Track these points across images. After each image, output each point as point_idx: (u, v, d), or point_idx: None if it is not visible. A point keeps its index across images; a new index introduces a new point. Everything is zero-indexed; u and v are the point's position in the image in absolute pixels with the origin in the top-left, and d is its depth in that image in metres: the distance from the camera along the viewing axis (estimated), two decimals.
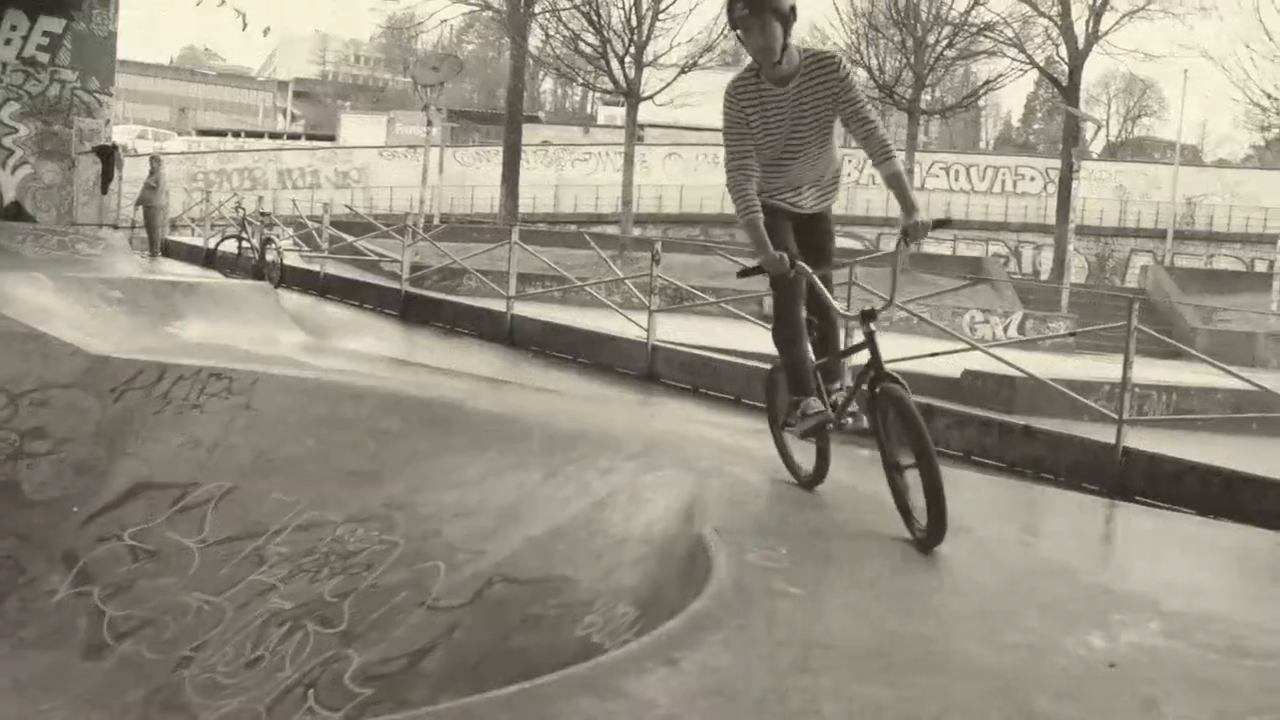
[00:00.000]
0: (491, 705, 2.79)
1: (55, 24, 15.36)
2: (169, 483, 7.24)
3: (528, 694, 2.88)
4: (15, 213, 15.24)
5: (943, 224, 4.82)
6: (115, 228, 17.13)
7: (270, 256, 18.02)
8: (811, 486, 5.26)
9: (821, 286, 4.86)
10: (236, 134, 62.78)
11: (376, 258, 19.36)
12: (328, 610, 5.65)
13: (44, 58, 15.35)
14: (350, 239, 19.33)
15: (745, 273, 4.89)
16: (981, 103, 62.24)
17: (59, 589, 6.62)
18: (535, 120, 56.32)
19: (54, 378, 8.44)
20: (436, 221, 30.55)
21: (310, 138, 63.58)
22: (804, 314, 4.96)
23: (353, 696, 5.02)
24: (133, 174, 22.48)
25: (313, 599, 5.78)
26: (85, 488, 7.44)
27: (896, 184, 4.70)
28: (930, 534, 4.39)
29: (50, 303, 10.19)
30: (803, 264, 4.75)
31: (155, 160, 21.51)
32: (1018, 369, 9.19)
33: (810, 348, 5.03)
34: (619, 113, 45.91)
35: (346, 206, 28.67)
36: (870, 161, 4.81)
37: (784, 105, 4.82)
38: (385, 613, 5.44)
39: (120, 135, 21.94)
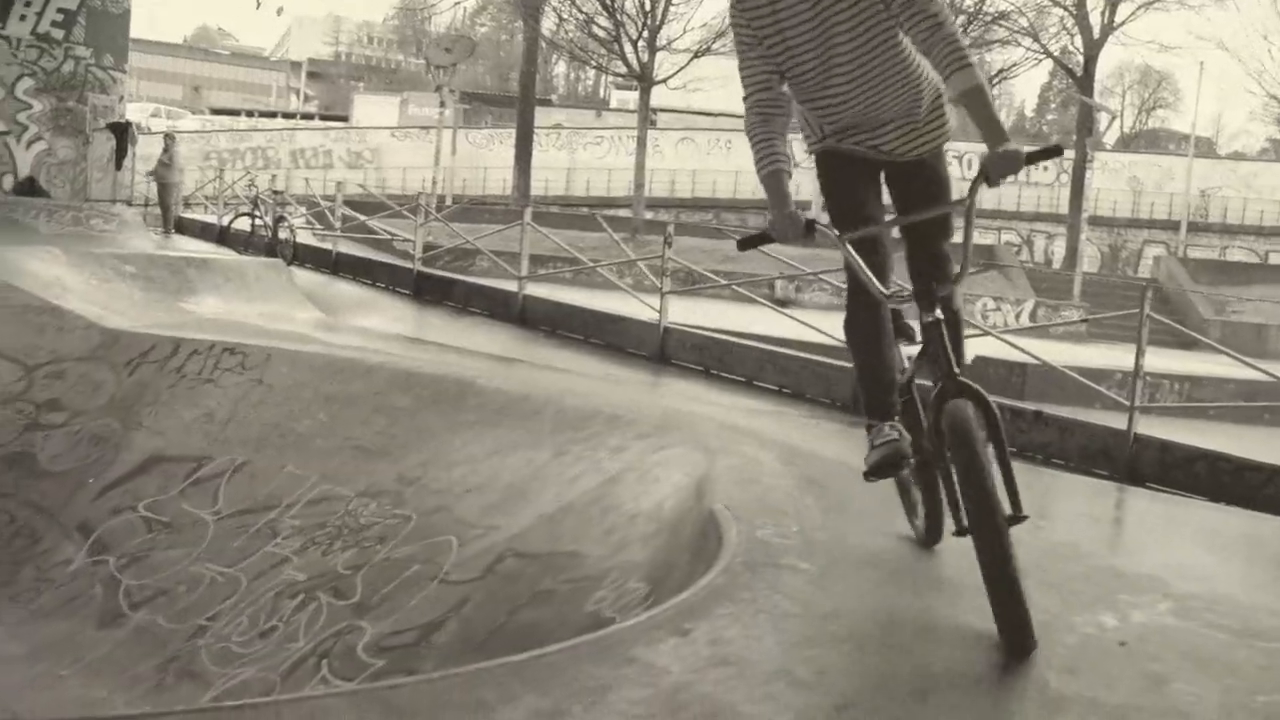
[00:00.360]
0: (503, 671, 2.82)
1: (69, 0, 15.40)
2: (183, 455, 7.31)
3: (540, 661, 2.91)
4: (29, 188, 15.31)
5: (1046, 154, 3.38)
6: (129, 204, 17.21)
7: (283, 234, 18.09)
8: (928, 544, 4.06)
9: (854, 256, 3.45)
10: (250, 113, 62.80)
11: (389, 237, 19.40)
12: (340, 582, 5.70)
13: (58, 34, 15.40)
14: (363, 218, 19.37)
15: (746, 243, 3.57)
16: (995, 91, 62.00)
17: (75, 559, 6.69)
18: (548, 103, 56.25)
19: (69, 351, 8.50)
20: (449, 202, 30.54)
21: (323, 118, 63.58)
22: (886, 304, 3.60)
23: (365, 667, 5.06)
24: (146, 151, 22.52)
25: (326, 571, 5.84)
26: (100, 459, 7.51)
27: (975, 103, 3.32)
28: (1010, 642, 3.14)
29: (64, 277, 10.25)
30: (828, 227, 3.50)
31: (169, 138, 21.59)
32: (1030, 355, 9.19)
33: (899, 351, 3.82)
34: (632, 97, 45.82)
35: (360, 186, 28.70)
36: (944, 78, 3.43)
37: (807, 10, 3.50)
38: (397, 586, 5.48)
39: (134, 113, 22.02)
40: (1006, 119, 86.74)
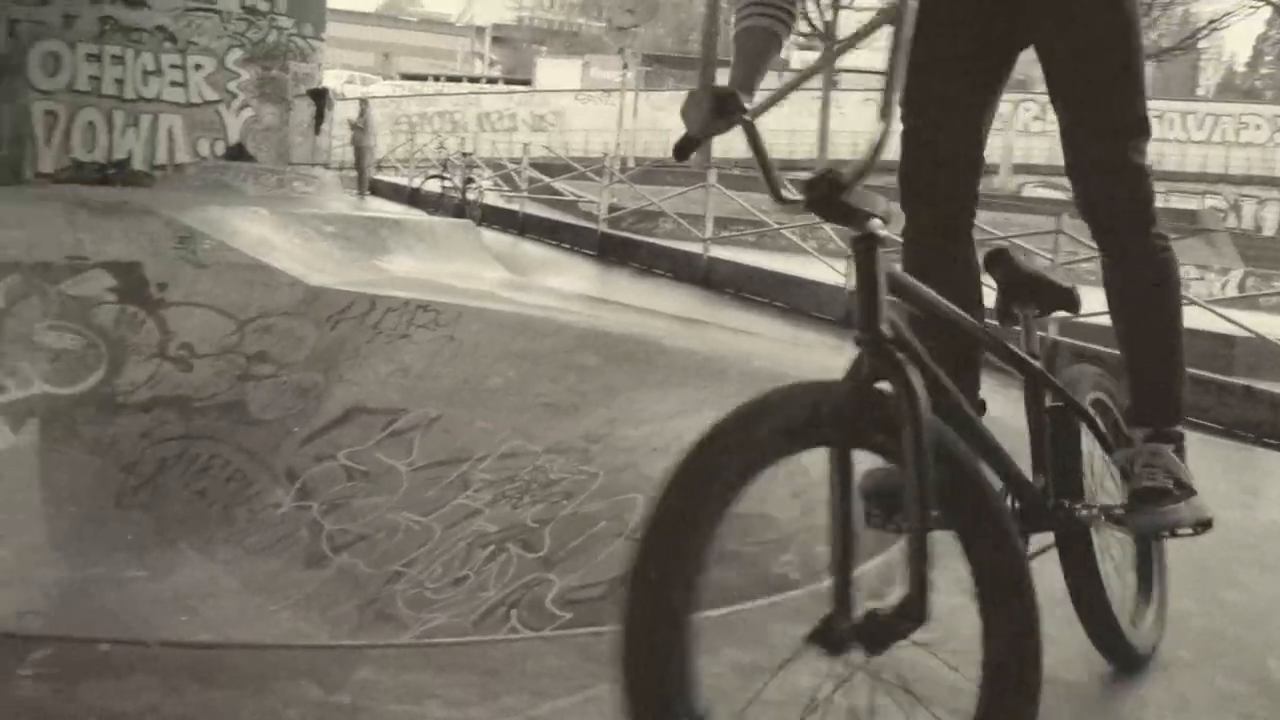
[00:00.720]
0: (703, 624, 2.83)
1: None
2: (380, 408, 7.62)
3: (738, 616, 2.93)
4: (238, 153, 16.12)
5: None
6: (326, 167, 17.91)
7: (471, 195, 18.59)
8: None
9: (758, 143, 2.01)
10: (437, 78, 64.48)
11: (574, 198, 19.68)
12: (529, 535, 5.85)
13: (264, 6, 16.08)
14: (548, 180, 19.69)
15: (681, 149, 2.15)
16: (1203, 44, 58.43)
17: (283, 502, 7.08)
18: (728, 65, 55.70)
19: (275, 306, 8.95)
20: (631, 164, 30.73)
21: (507, 82, 64.78)
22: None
23: (553, 619, 5.19)
24: (342, 117, 23.39)
25: (515, 524, 6.00)
26: (304, 410, 7.90)
27: None
28: None
29: (270, 236, 10.76)
30: (745, 98, 2.04)
31: (364, 103, 22.39)
32: (1241, 326, 8.68)
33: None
34: (813, 57, 45.02)
35: (545, 148, 29.18)
36: None
37: None
38: (585, 541, 5.59)
39: (329, 80, 22.84)
40: (1214, 74, 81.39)
